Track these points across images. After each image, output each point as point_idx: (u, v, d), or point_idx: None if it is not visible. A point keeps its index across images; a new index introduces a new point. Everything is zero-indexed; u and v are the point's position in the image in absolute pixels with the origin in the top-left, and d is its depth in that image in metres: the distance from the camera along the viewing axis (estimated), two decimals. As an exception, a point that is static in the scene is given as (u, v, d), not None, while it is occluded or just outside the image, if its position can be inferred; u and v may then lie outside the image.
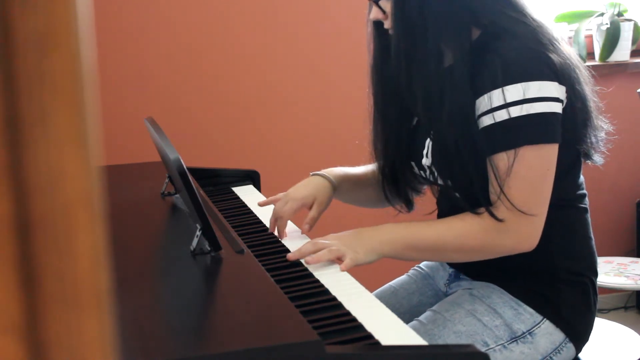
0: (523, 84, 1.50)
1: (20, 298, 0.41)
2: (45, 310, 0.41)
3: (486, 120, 1.53)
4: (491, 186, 1.55)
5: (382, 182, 1.79)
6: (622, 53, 3.29)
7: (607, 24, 3.25)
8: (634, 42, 3.32)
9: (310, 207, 1.75)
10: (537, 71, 1.51)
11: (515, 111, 1.50)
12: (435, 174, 1.65)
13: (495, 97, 1.51)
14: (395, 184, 1.78)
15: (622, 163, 3.34)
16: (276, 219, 1.72)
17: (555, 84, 1.53)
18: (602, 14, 3.30)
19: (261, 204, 1.85)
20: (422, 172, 1.70)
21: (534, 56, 1.53)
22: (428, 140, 1.65)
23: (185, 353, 1.10)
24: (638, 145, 3.37)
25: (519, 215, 1.52)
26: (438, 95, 1.56)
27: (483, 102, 1.53)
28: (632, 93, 3.24)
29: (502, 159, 1.52)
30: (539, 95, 1.51)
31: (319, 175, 1.79)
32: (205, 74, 2.89)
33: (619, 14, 3.30)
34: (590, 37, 3.34)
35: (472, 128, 1.54)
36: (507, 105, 1.50)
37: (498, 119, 1.52)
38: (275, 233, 1.72)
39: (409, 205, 1.83)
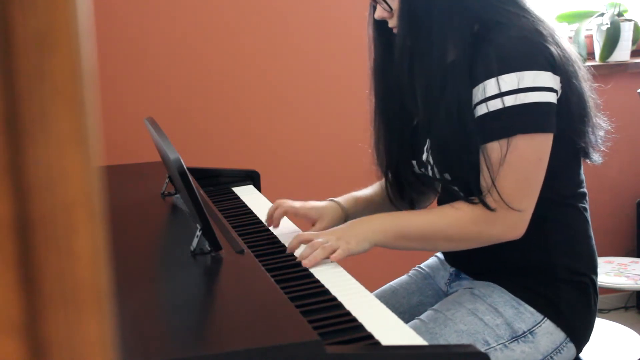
0: (518, 73, 1.51)
1: (20, 298, 0.41)
2: (45, 310, 0.41)
3: (480, 110, 1.54)
4: (482, 175, 1.55)
5: (386, 185, 1.80)
6: (622, 53, 3.29)
7: (607, 24, 3.25)
8: (634, 42, 3.32)
9: (313, 224, 1.76)
10: (532, 60, 1.52)
11: (510, 100, 1.51)
12: (435, 169, 1.65)
13: (490, 86, 1.52)
14: (399, 186, 1.79)
15: (623, 163, 3.34)
16: (276, 207, 1.73)
17: (550, 73, 1.53)
18: (602, 14, 3.30)
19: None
20: (422, 169, 1.71)
21: (529, 45, 1.53)
22: None
23: (185, 353, 1.10)
24: (638, 145, 3.37)
25: (506, 207, 1.53)
26: (439, 90, 1.57)
27: (478, 92, 1.54)
28: (632, 93, 3.24)
29: (495, 149, 1.53)
30: (534, 85, 1.51)
31: (334, 202, 1.82)
32: (206, 74, 2.89)
33: (619, 14, 3.30)
34: (590, 37, 3.34)
35: (468, 119, 1.55)
36: (501, 95, 1.51)
37: (492, 108, 1.52)
38: (280, 236, 1.71)
39: (411, 207, 1.85)
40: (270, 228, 1.75)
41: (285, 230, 1.74)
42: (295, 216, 1.75)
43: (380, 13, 1.63)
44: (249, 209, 1.91)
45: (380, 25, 1.69)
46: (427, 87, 1.58)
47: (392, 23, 1.63)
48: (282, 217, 1.75)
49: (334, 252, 1.53)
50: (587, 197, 1.72)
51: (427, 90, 1.58)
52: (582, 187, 1.71)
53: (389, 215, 1.61)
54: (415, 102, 1.62)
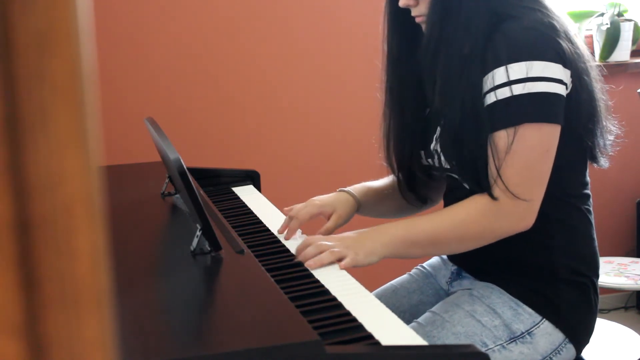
0: (527, 62, 1.51)
1: (20, 298, 0.41)
2: (45, 310, 0.41)
3: (489, 98, 1.54)
4: (489, 165, 1.55)
5: (397, 178, 1.80)
6: (622, 53, 3.29)
7: (607, 24, 3.25)
8: (634, 42, 3.32)
9: (329, 218, 1.75)
10: (543, 51, 1.52)
11: (518, 89, 1.51)
12: (442, 157, 1.65)
13: (499, 74, 1.53)
14: (410, 178, 1.79)
15: (623, 163, 3.34)
16: (291, 218, 1.72)
17: (560, 66, 1.53)
18: (602, 14, 3.30)
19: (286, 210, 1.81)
20: (429, 160, 1.71)
21: (541, 37, 1.54)
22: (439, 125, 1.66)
23: (185, 353, 1.10)
24: (638, 146, 3.37)
25: (512, 197, 1.52)
26: (457, 78, 1.57)
27: (487, 80, 1.55)
28: (632, 93, 3.24)
29: (502, 137, 1.53)
30: (543, 75, 1.51)
31: (345, 192, 1.81)
32: (206, 74, 2.89)
33: (619, 14, 3.30)
34: (590, 37, 3.34)
35: (480, 109, 1.55)
36: (510, 83, 1.52)
37: (500, 97, 1.53)
38: (280, 236, 1.71)
39: (423, 201, 1.85)
40: (274, 231, 1.74)
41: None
42: (311, 218, 1.74)
43: (405, 1, 1.63)
44: (249, 209, 1.91)
45: (397, 17, 1.69)
46: (447, 76, 1.58)
47: (416, 11, 1.63)
48: (298, 227, 1.71)
49: (340, 257, 1.52)
50: (591, 199, 1.72)
51: (446, 79, 1.59)
52: (587, 189, 1.71)
53: (397, 224, 1.59)
54: (434, 88, 1.62)
